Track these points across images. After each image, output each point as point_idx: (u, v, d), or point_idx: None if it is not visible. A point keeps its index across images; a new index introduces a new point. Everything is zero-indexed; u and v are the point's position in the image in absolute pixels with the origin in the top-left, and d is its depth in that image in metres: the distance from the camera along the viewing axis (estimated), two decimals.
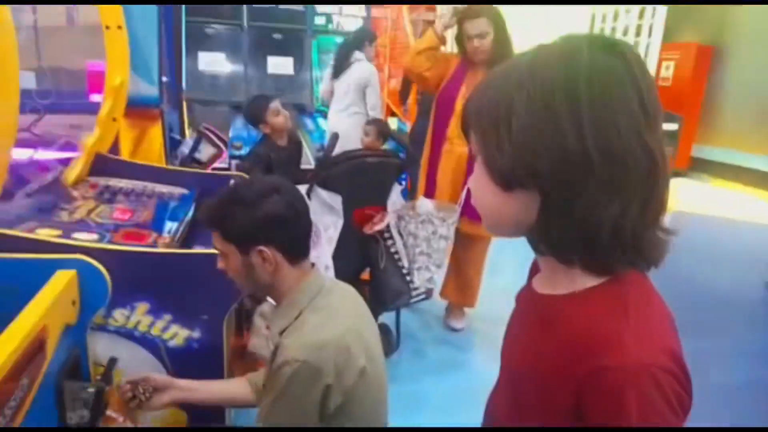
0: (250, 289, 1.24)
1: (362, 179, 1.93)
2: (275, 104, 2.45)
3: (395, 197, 2.18)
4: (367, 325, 1.22)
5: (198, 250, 1.42)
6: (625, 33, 6.65)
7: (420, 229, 2.07)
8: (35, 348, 1.03)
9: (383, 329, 2.35)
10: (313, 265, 1.22)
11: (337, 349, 1.04)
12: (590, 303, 0.59)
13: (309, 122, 5.09)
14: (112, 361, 1.27)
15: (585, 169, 0.54)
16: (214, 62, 5.42)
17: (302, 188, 1.97)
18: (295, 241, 1.15)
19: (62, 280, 1.18)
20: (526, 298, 0.71)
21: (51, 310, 1.09)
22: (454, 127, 2.37)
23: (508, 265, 3.12)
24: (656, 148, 0.55)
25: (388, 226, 2.03)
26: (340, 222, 1.96)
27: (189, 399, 1.28)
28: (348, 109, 3.60)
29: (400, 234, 2.14)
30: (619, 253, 0.57)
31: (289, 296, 1.15)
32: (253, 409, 1.24)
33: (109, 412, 1.27)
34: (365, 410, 1.13)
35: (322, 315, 1.11)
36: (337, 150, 2.24)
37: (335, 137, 2.28)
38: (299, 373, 1.01)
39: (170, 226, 1.71)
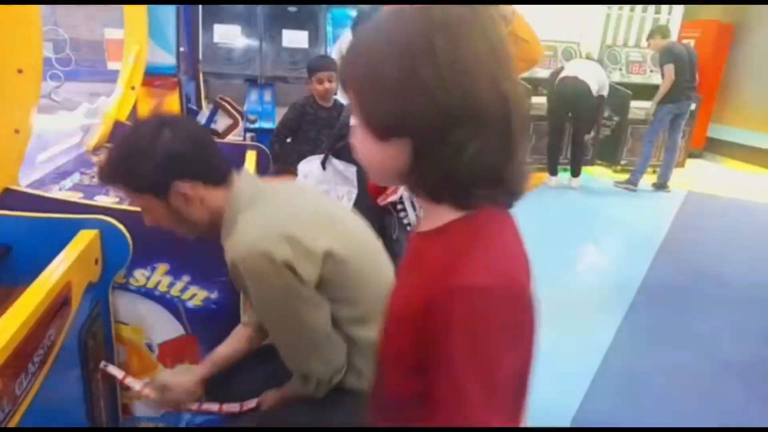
0: (193, 233, 1.13)
1: None
2: (323, 74, 2.48)
3: None
4: (339, 211, 1.17)
5: None
6: (644, 10, 6.52)
7: None
8: (60, 302, 1.07)
9: None
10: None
11: (279, 233, 0.96)
12: (449, 235, 0.63)
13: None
14: None
15: (448, 115, 0.59)
16: (229, 35, 5.39)
17: (318, 158, 1.98)
18: (207, 167, 1.05)
19: (85, 239, 1.22)
20: (410, 241, 0.73)
21: (75, 267, 1.13)
22: None
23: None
24: (510, 91, 0.60)
25: (401, 197, 2.04)
26: (355, 192, 1.97)
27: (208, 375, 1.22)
28: None
29: (413, 205, 2.15)
30: (480, 189, 0.62)
31: (226, 215, 1.05)
32: None
33: (128, 381, 1.30)
34: (349, 289, 1.04)
35: (255, 210, 1.02)
36: None
37: (351, 107, 2.28)
38: (249, 267, 0.96)
39: None
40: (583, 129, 5.12)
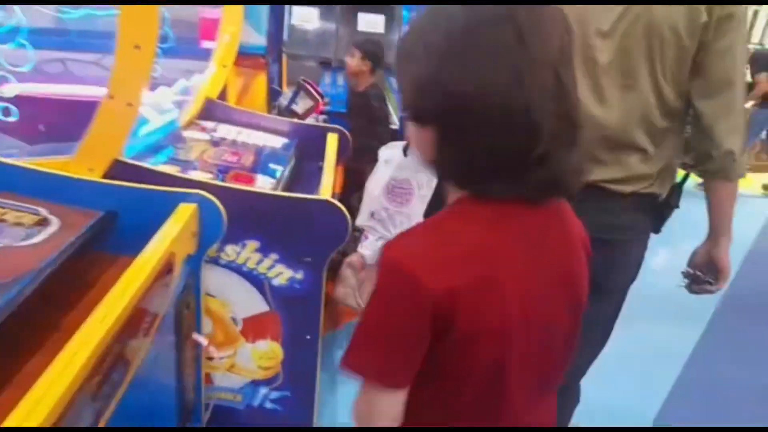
0: None
1: None
2: (353, 47, 2.49)
3: None
4: None
5: (308, 195, 1.47)
6: None
7: None
8: (165, 272, 1.11)
9: None
10: None
11: None
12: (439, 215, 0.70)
13: (395, 81, 5.06)
14: None
15: (460, 106, 0.60)
16: (307, 16, 5.45)
17: (401, 144, 1.98)
18: None
19: (186, 213, 1.26)
20: None
21: (178, 239, 1.17)
22: None
23: None
24: (535, 86, 0.59)
25: None
26: (435, 181, 1.95)
27: None
28: None
29: None
30: (498, 181, 0.64)
31: None
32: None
33: (210, 349, 1.35)
34: None
35: None
36: None
37: None
38: None
39: (274, 170, 1.78)
40: None
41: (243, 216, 1.38)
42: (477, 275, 0.64)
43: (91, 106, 1.32)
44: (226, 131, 2.08)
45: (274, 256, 1.43)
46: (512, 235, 0.67)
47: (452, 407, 0.72)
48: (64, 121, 1.52)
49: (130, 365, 0.94)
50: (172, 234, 1.15)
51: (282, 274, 1.44)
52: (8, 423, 0.61)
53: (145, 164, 1.40)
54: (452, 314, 0.63)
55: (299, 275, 1.44)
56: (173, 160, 1.73)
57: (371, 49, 2.74)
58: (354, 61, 2.67)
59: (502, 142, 0.61)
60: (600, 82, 1.21)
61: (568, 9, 0.65)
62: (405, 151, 1.96)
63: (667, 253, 3.80)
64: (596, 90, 1.22)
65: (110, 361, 0.86)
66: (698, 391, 2.14)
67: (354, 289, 2.02)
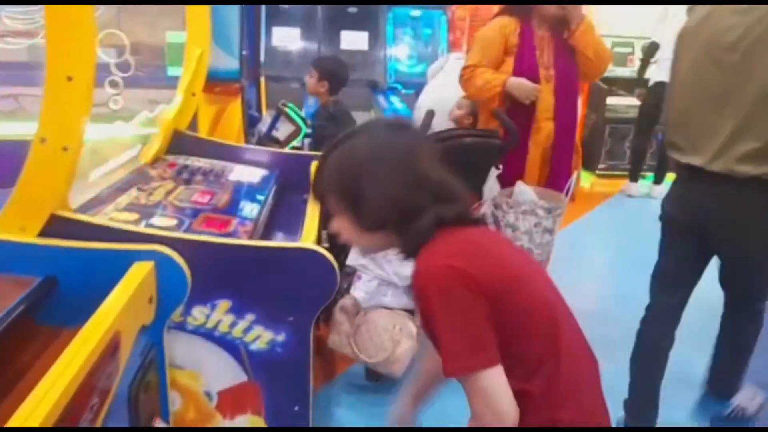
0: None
1: (457, 162, 1.71)
2: (311, 66, 2.46)
3: (492, 183, 1.95)
4: None
5: (287, 243, 1.26)
6: None
7: (521, 220, 1.84)
8: (111, 351, 0.90)
9: None
10: None
11: None
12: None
13: (382, 99, 4.89)
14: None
15: (415, 210, 0.89)
16: (288, 37, 5.30)
17: None
18: None
19: (139, 275, 1.05)
20: None
21: (128, 309, 0.96)
22: (543, 98, 2.12)
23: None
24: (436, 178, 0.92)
25: (483, 215, 1.81)
26: None
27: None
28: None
29: (497, 224, 1.91)
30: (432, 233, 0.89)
31: None
32: None
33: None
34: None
35: None
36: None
37: (430, 115, 2.06)
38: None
39: (251, 210, 1.57)
40: None
41: (211, 272, 1.17)
42: (491, 262, 0.88)
43: None
44: (197, 167, 1.87)
45: (250, 316, 1.21)
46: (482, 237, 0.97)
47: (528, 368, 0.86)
48: (9, 167, 1.32)
49: None
50: (118, 304, 0.94)
51: (261, 338, 1.23)
52: None
53: (89, 217, 1.19)
54: (494, 292, 0.83)
55: (281, 337, 1.23)
56: (134, 206, 1.51)
57: (328, 67, 2.58)
58: (311, 81, 2.52)
59: (437, 213, 0.89)
60: None
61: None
62: None
63: None
64: None
65: None
66: None
67: (349, 336, 1.80)
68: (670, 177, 4.94)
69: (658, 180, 4.81)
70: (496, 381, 0.80)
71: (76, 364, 0.79)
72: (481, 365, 0.80)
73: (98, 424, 0.87)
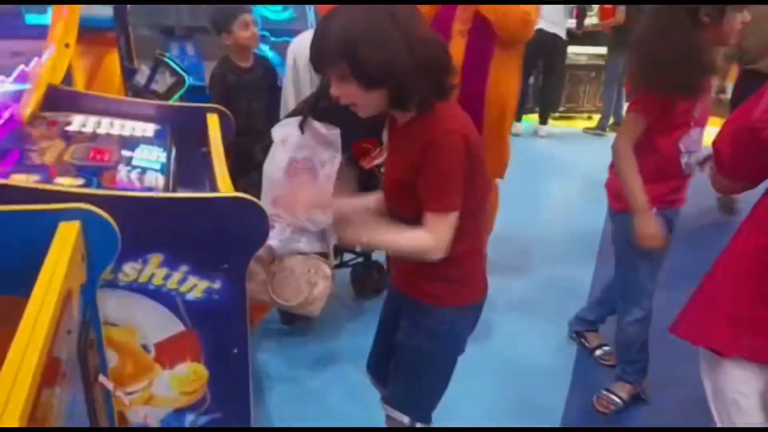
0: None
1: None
2: (248, 16, 2.22)
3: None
4: None
5: (218, 193, 1.27)
6: None
7: None
8: (64, 314, 0.89)
9: (377, 267, 2.31)
10: None
11: None
12: (421, 120, 1.10)
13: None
14: None
15: (409, 69, 1.03)
16: None
17: (295, 120, 1.81)
18: None
19: (70, 234, 1.02)
20: (393, 133, 1.22)
21: (70, 269, 0.94)
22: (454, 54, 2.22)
23: None
24: (425, 51, 1.06)
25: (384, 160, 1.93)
26: (338, 157, 1.83)
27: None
28: None
29: None
30: (430, 99, 1.09)
31: None
32: None
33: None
34: None
35: None
36: None
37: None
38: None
39: (157, 164, 1.53)
40: (553, 75, 5.24)
41: (139, 227, 1.15)
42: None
43: None
44: (80, 123, 1.74)
45: (183, 268, 1.23)
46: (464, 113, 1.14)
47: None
48: None
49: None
50: (63, 263, 0.92)
51: (196, 287, 1.25)
52: None
53: (2, 181, 1.11)
54: (476, 157, 1.10)
55: (216, 285, 1.26)
56: (24, 167, 1.40)
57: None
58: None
59: (426, 80, 1.07)
60: None
61: None
62: (302, 127, 1.80)
63: (552, 200, 4.09)
64: None
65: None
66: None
67: (266, 283, 1.85)
68: (526, 118, 5.57)
69: (543, 120, 5.36)
70: (453, 222, 1.08)
71: (40, 332, 0.77)
72: (455, 207, 1.07)
73: (64, 388, 0.87)
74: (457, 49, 2.18)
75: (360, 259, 2.32)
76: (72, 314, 0.94)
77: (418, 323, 1.17)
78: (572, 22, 5.46)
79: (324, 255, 1.93)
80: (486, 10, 2.16)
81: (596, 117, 5.85)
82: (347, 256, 2.36)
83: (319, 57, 1.07)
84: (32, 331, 0.77)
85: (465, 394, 1.26)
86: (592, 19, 5.81)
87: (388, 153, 1.25)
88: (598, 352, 2.22)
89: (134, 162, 1.49)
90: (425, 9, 2.28)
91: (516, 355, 2.11)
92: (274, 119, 2.10)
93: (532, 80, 5.49)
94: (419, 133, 1.08)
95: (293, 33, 3.31)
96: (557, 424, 1.81)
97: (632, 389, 1.94)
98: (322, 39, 1.04)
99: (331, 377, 1.91)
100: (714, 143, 1.39)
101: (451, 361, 1.19)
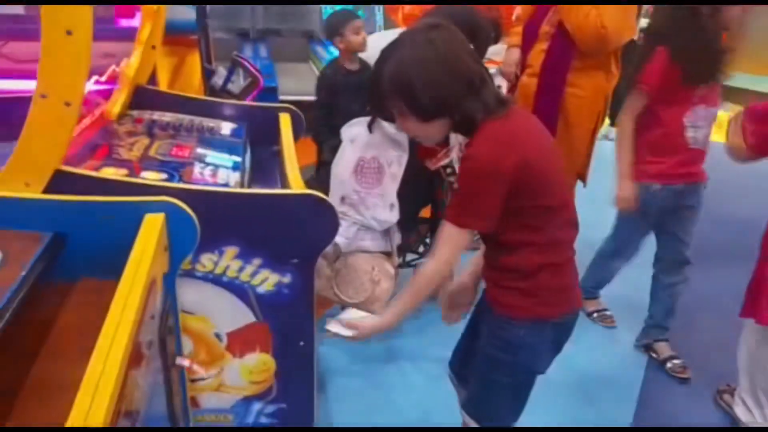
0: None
1: None
2: (359, 22, 2.29)
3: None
4: None
5: (292, 190, 1.31)
6: None
7: None
8: (150, 305, 0.94)
9: None
10: None
11: None
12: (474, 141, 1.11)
13: (320, 50, 4.82)
14: None
15: (460, 95, 1.08)
16: None
17: (364, 120, 1.84)
18: None
19: (155, 225, 1.08)
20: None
21: (156, 258, 1.00)
22: (534, 55, 2.24)
23: None
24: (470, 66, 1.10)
25: (451, 161, 1.92)
26: (405, 157, 1.84)
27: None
28: None
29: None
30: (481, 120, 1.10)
31: None
32: None
33: (194, 367, 1.22)
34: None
35: None
36: None
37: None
38: None
39: (234, 161, 1.60)
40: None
41: (218, 220, 1.21)
42: (526, 147, 1.10)
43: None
44: (165, 121, 1.85)
45: (256, 261, 1.27)
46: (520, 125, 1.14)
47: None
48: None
49: (138, 414, 0.79)
50: (150, 252, 0.98)
51: (268, 280, 1.29)
52: None
53: (92, 173, 1.19)
54: (521, 172, 1.07)
55: (286, 279, 1.30)
56: (112, 161, 1.50)
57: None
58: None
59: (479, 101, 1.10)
60: None
61: None
62: (370, 127, 1.82)
63: None
64: None
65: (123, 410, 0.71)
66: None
67: (330, 279, 1.89)
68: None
69: (614, 122, 5.22)
70: (463, 241, 1.11)
71: (131, 312, 0.83)
72: (467, 226, 1.10)
73: (148, 371, 0.93)
74: (538, 51, 2.16)
75: (422, 260, 2.32)
76: (155, 301, 0.99)
77: (493, 332, 1.16)
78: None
79: (388, 254, 1.94)
80: (565, 18, 2.13)
81: None
82: (410, 257, 2.37)
83: (378, 99, 1.17)
84: (121, 314, 0.82)
85: (528, 405, 1.22)
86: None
87: None
88: (668, 365, 2.13)
89: (208, 160, 1.56)
90: (526, 9, 2.28)
91: (583, 365, 2.05)
92: None
93: None
94: (466, 151, 1.12)
95: None
96: None
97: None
98: (378, 82, 1.12)
99: (390, 375, 1.92)
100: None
101: (525, 377, 1.17)
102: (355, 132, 1.84)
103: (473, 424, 1.18)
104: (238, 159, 1.62)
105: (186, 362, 1.20)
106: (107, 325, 0.79)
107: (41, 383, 0.85)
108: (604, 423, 1.80)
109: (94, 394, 0.65)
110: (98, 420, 0.61)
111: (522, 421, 1.24)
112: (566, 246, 1.17)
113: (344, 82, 2.32)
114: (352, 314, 1.36)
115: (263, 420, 1.42)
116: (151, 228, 1.07)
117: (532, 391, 1.20)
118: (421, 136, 1.16)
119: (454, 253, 1.12)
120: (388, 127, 1.81)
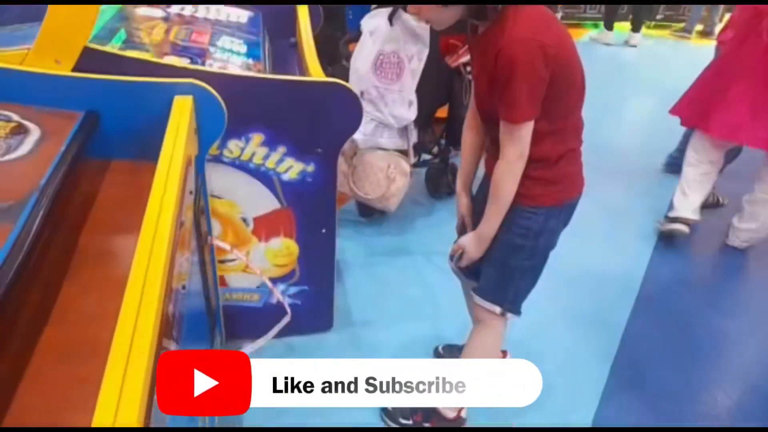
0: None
1: None
2: None
3: None
4: None
5: (317, 78, 1.31)
6: None
7: None
8: (187, 183, 0.98)
9: (452, 169, 2.33)
10: None
11: None
12: (495, 27, 1.07)
13: None
14: None
15: None
16: None
17: (385, 11, 1.78)
18: None
19: (185, 108, 1.10)
20: (472, 48, 1.20)
21: (188, 140, 1.02)
22: None
23: None
24: None
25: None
26: (426, 52, 1.80)
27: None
28: None
29: None
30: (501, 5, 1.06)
31: None
32: None
33: (218, 242, 1.28)
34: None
35: None
36: None
37: None
38: None
39: (253, 49, 1.58)
40: None
41: (244, 107, 1.23)
42: (556, 35, 1.07)
43: None
44: (181, 6, 1.79)
45: (281, 148, 1.30)
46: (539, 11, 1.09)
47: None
48: None
49: (185, 287, 0.85)
50: (183, 132, 1.00)
51: (292, 168, 1.33)
52: (108, 367, 0.52)
53: (123, 51, 1.18)
54: (558, 61, 1.06)
55: (311, 168, 1.34)
56: (133, 45, 1.48)
57: None
58: None
59: None
60: None
61: None
62: (391, 19, 1.77)
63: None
64: None
65: (175, 287, 0.77)
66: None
67: (347, 175, 1.92)
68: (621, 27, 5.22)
69: (635, 27, 5.04)
70: (525, 132, 1.09)
71: (173, 189, 0.85)
72: (531, 117, 1.07)
73: (189, 247, 0.97)
74: None
75: (436, 160, 2.34)
76: (192, 178, 1.03)
77: (513, 221, 1.19)
78: None
79: (404, 152, 1.96)
80: None
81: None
82: (425, 156, 2.38)
83: None
84: (164, 190, 0.85)
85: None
86: None
87: (473, 66, 1.22)
88: None
89: (227, 47, 1.54)
90: None
91: (589, 262, 2.13)
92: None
93: None
94: (492, 44, 1.05)
95: None
96: (617, 340, 1.82)
97: None
98: None
99: (404, 266, 2.01)
100: None
101: (543, 256, 1.23)
102: (374, 24, 1.79)
103: (490, 306, 1.24)
104: (257, 48, 1.60)
105: (221, 243, 1.26)
106: (152, 201, 0.82)
107: (91, 254, 0.90)
108: (598, 320, 1.90)
109: (147, 269, 0.67)
110: (154, 295, 0.63)
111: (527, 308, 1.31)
112: (581, 130, 1.19)
113: None
114: None
115: (286, 300, 1.52)
116: (182, 109, 1.08)
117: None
118: (434, 20, 1.10)
119: (521, 148, 1.10)
120: (410, 19, 1.76)
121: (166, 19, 1.66)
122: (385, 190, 1.93)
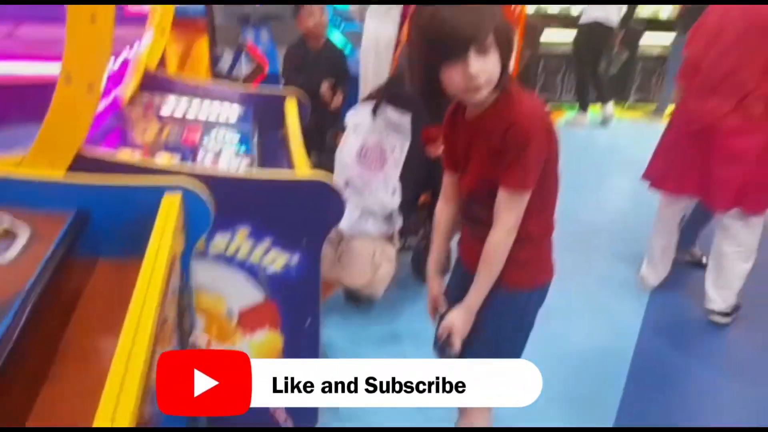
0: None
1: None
2: (312, 8, 2.33)
3: None
4: None
5: (302, 176, 1.37)
6: None
7: None
8: (172, 282, 1.00)
9: None
10: None
11: None
12: (497, 107, 1.12)
13: None
14: None
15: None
16: None
17: (368, 106, 1.89)
18: None
19: (174, 205, 1.14)
20: (462, 129, 1.21)
21: (174, 239, 1.06)
22: None
23: None
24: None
25: None
26: (407, 143, 1.90)
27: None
28: None
29: None
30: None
31: None
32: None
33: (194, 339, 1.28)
34: None
35: None
36: None
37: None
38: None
39: (243, 147, 1.65)
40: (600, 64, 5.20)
41: (230, 200, 1.26)
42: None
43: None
44: (172, 105, 1.89)
45: (267, 241, 1.33)
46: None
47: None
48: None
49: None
50: (170, 230, 1.03)
51: (277, 260, 1.35)
52: None
53: (112, 157, 1.24)
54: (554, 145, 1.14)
55: (295, 259, 1.36)
56: (127, 145, 1.55)
57: None
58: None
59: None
60: None
61: None
62: (375, 112, 1.87)
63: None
64: None
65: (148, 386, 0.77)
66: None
67: (333, 263, 1.95)
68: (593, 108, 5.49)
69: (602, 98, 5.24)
70: (524, 203, 1.12)
71: (156, 286, 0.88)
72: (529, 186, 1.10)
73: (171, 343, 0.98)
74: None
75: (422, 243, 2.38)
76: (176, 278, 1.05)
77: (496, 307, 1.19)
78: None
79: (389, 237, 2.01)
80: None
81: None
82: (411, 241, 2.42)
83: (473, 33, 1.00)
84: (147, 289, 0.87)
85: None
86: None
87: (462, 147, 1.21)
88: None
89: (217, 144, 1.62)
90: None
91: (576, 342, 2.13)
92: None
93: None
94: (501, 119, 1.08)
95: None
96: (611, 419, 1.81)
97: None
98: (467, 15, 1.00)
99: (391, 356, 1.99)
100: None
101: (525, 339, 1.25)
102: (358, 118, 1.89)
103: None
104: (247, 143, 1.67)
105: (202, 339, 1.26)
106: (135, 299, 0.84)
107: (73, 354, 0.90)
108: (588, 401, 1.87)
109: (125, 371, 0.67)
110: (131, 399, 0.62)
111: None
112: (554, 212, 1.24)
113: (303, 62, 2.40)
114: None
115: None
116: (170, 207, 1.12)
117: None
118: (492, 79, 1.05)
119: (518, 218, 1.12)
120: (392, 112, 1.86)
121: (159, 119, 1.75)
122: (371, 277, 1.95)
